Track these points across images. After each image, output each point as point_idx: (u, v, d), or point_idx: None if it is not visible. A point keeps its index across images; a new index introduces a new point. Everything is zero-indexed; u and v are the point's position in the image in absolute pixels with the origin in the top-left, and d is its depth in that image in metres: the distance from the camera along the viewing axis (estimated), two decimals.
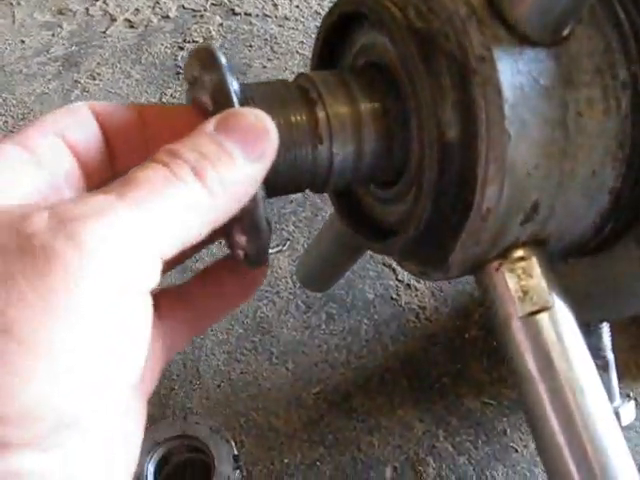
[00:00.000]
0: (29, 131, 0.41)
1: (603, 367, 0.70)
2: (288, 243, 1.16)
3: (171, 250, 0.37)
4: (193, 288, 0.49)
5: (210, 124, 0.41)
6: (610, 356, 0.69)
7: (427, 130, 0.47)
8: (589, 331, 0.68)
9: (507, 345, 0.52)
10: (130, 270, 0.35)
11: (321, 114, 0.50)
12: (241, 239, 0.44)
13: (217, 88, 0.43)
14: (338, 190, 0.57)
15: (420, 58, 0.48)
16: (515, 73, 0.46)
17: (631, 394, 1.00)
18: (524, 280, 0.52)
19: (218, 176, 0.38)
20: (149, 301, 0.37)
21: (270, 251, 1.15)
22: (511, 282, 0.52)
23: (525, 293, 0.51)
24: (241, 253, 0.45)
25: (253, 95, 0.49)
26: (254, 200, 0.42)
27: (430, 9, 0.49)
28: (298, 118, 0.49)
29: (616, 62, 0.50)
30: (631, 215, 0.56)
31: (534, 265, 0.52)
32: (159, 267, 0.37)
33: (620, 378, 0.99)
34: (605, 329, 0.69)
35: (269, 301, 1.10)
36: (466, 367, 1.03)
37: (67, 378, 0.32)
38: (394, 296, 1.09)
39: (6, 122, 1.40)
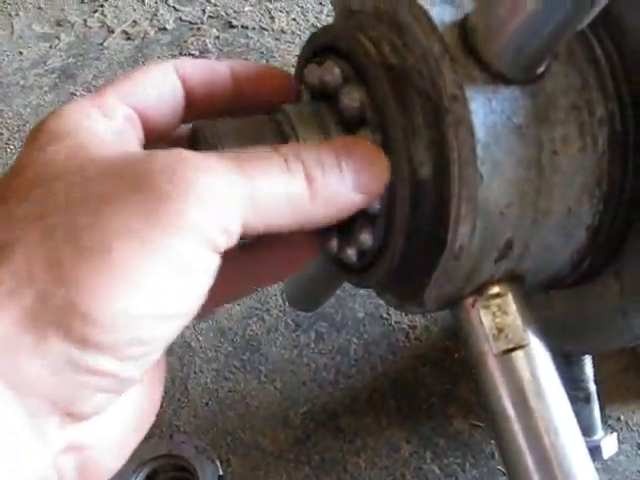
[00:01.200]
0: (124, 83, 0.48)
1: (585, 399, 0.69)
2: None
3: (254, 225, 0.41)
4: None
5: (338, 142, 0.47)
6: (592, 388, 0.69)
7: (399, 167, 0.47)
8: (570, 362, 0.67)
9: (482, 382, 0.52)
10: (220, 223, 0.39)
11: None
12: (366, 238, 0.50)
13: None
14: None
15: (393, 95, 0.47)
16: (488, 112, 0.46)
17: (622, 417, 0.99)
18: (499, 317, 0.51)
19: (325, 188, 0.43)
20: (218, 260, 0.40)
21: None
22: (486, 319, 0.51)
23: (500, 330, 0.51)
24: (354, 253, 0.51)
25: (225, 131, 0.48)
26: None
27: (405, 44, 0.49)
28: None
29: (593, 99, 0.50)
30: (610, 251, 0.55)
31: (509, 302, 0.52)
32: (238, 233, 0.40)
33: (611, 402, 0.99)
34: (587, 360, 0.69)
35: (259, 319, 1.10)
36: (455, 388, 1.03)
37: (154, 303, 0.37)
38: (384, 315, 1.09)
39: (1, 134, 1.40)
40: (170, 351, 1.07)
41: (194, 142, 0.52)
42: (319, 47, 0.54)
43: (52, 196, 0.38)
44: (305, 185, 0.42)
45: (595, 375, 0.70)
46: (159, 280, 0.37)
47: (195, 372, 1.05)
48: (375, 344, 1.07)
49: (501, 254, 0.49)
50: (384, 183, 0.46)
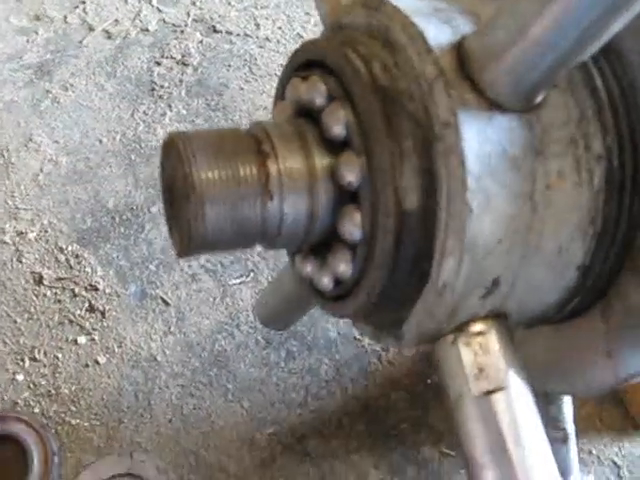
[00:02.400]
0: None
1: (562, 439, 0.67)
2: (252, 274, 1.12)
3: None
4: None
5: None
6: (570, 428, 0.66)
7: (384, 196, 0.44)
8: (549, 401, 0.65)
9: (458, 424, 0.49)
10: None
11: (273, 168, 0.47)
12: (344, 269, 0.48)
13: None
14: (290, 250, 0.54)
15: (381, 118, 0.44)
16: (482, 141, 0.43)
17: (593, 451, 0.97)
18: (480, 356, 0.48)
19: None
20: None
21: (232, 282, 1.11)
22: (466, 358, 0.49)
23: (481, 370, 0.48)
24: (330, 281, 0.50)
25: (199, 145, 0.45)
26: None
27: (397, 64, 0.46)
28: (247, 171, 0.46)
29: (591, 133, 0.47)
30: (599, 290, 0.53)
31: (492, 341, 0.49)
32: None
33: (583, 433, 0.97)
34: (566, 399, 0.66)
35: (228, 334, 1.07)
36: (426, 414, 1.00)
37: None
38: (357, 336, 1.06)
39: None
40: (135, 364, 1.03)
41: (166, 153, 0.49)
42: (305, 61, 0.51)
43: None
44: None
45: (574, 415, 0.67)
46: None
47: (160, 387, 1.01)
48: (347, 366, 1.04)
49: (487, 291, 0.47)
50: None
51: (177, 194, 0.47)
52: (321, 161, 0.47)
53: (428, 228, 0.44)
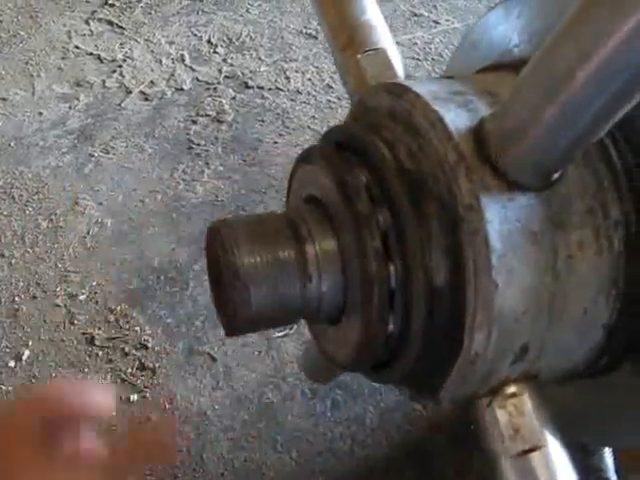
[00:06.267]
0: None
1: None
2: (295, 327, 1.16)
3: None
4: None
5: None
6: (613, 478, 0.68)
7: (415, 275, 0.47)
8: (589, 451, 0.67)
9: None
10: None
11: (310, 251, 0.50)
12: None
13: None
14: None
15: (409, 200, 0.48)
16: (504, 221, 0.46)
17: None
18: (515, 417, 0.51)
19: None
20: None
21: (277, 334, 1.15)
22: (502, 419, 0.51)
23: (516, 431, 0.51)
24: None
25: (241, 234, 0.49)
26: None
27: (420, 148, 0.49)
28: (286, 255, 0.50)
29: (608, 201, 0.50)
30: (627, 345, 0.55)
31: (526, 402, 0.51)
32: None
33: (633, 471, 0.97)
34: (607, 449, 0.68)
35: (274, 386, 1.10)
36: (470, 459, 1.02)
37: None
38: None
39: (21, 196, 1.42)
40: (186, 420, 1.07)
41: (211, 240, 0.53)
42: (334, 144, 0.55)
43: None
44: None
45: (616, 464, 0.69)
46: None
47: (211, 442, 1.05)
48: (391, 413, 1.06)
49: (516, 357, 0.49)
50: None
51: (223, 280, 0.51)
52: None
53: (458, 303, 0.47)
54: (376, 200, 0.49)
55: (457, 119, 0.49)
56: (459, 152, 0.47)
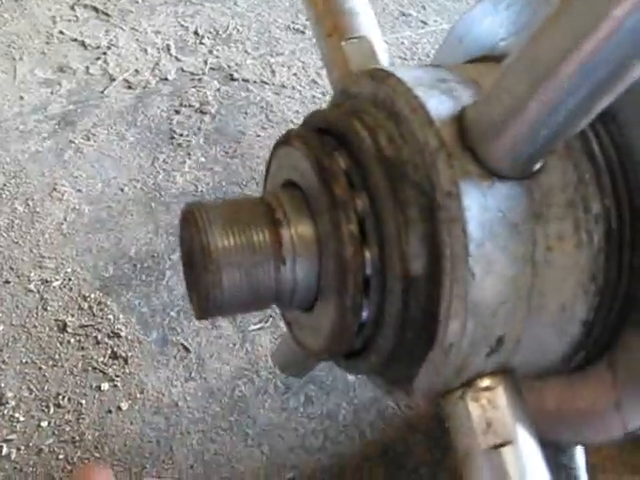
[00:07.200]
0: None
1: None
2: (271, 320, 1.15)
3: None
4: None
5: None
6: (583, 477, 0.67)
7: (391, 262, 0.46)
8: (560, 450, 0.66)
9: (467, 477, 0.51)
10: None
11: (285, 234, 0.49)
12: None
13: None
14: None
15: (387, 186, 0.47)
16: (483, 210, 0.45)
17: None
18: (488, 411, 0.50)
19: None
20: None
21: (252, 327, 1.14)
22: (474, 413, 0.50)
23: (489, 425, 0.50)
24: None
25: (215, 215, 0.48)
26: None
27: (401, 134, 0.49)
28: (261, 238, 0.49)
29: (589, 195, 0.50)
30: (603, 343, 0.54)
31: (500, 395, 0.51)
32: None
33: (603, 473, 0.97)
34: (578, 448, 0.67)
35: (248, 380, 1.09)
36: (445, 458, 1.01)
37: None
38: None
39: None
40: (157, 410, 1.05)
41: (185, 223, 0.51)
42: (314, 129, 0.54)
43: None
44: None
45: (587, 464, 0.68)
46: None
47: (181, 433, 1.03)
48: (365, 410, 1.05)
49: (492, 349, 0.49)
50: None
51: (195, 262, 0.50)
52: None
53: (434, 292, 0.46)
54: (355, 185, 0.49)
55: (440, 106, 0.48)
56: (440, 138, 0.46)
